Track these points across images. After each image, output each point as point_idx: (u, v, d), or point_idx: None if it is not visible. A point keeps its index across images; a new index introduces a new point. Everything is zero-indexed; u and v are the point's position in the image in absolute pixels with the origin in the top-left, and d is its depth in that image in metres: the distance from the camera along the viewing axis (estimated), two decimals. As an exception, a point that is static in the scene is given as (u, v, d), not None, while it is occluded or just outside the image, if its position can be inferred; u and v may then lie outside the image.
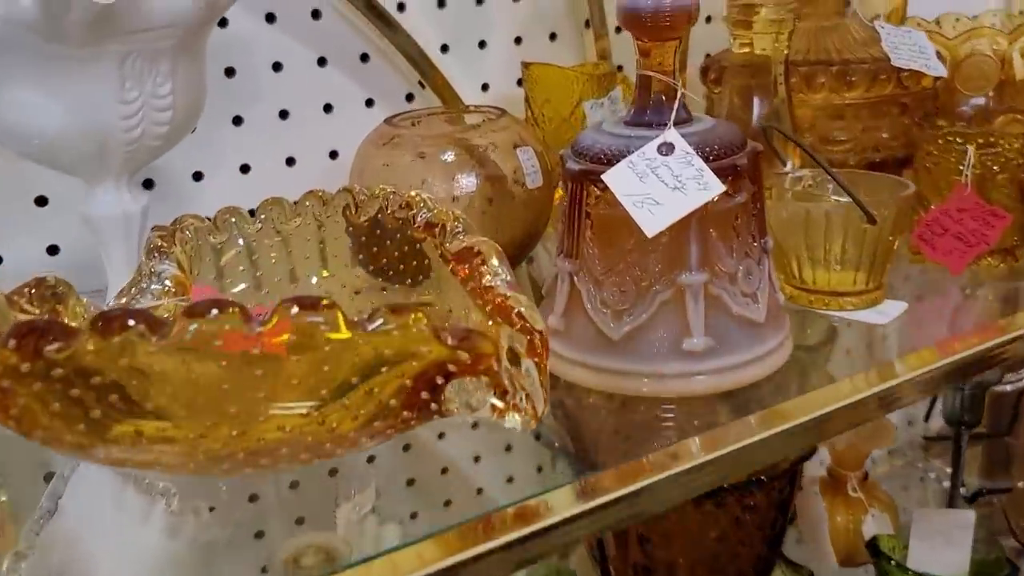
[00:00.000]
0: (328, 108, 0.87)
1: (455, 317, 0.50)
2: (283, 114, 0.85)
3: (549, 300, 0.58)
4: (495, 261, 0.47)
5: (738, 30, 0.76)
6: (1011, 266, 0.71)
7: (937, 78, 0.88)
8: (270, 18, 0.83)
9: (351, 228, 0.58)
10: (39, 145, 0.55)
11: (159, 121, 0.57)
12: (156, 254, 0.54)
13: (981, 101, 1.08)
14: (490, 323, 0.44)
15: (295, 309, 0.38)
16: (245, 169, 0.85)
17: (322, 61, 0.86)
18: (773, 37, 0.76)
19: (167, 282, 0.53)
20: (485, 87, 0.95)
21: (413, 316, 0.39)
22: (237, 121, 0.84)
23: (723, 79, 0.94)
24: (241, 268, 0.58)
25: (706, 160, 0.52)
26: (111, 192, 0.60)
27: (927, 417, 1.25)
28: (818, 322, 0.64)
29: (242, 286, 0.56)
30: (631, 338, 0.54)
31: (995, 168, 0.67)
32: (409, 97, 0.91)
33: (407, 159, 0.69)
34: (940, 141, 0.71)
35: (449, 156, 0.70)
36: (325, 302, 0.38)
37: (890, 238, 0.62)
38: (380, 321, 0.38)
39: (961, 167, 0.68)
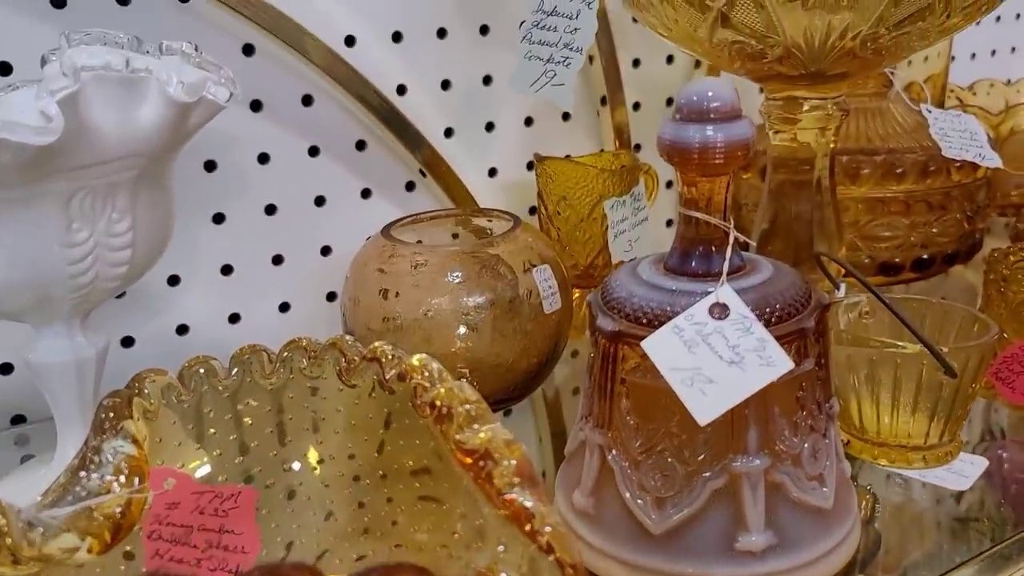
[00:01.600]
0: (320, 201, 0.79)
1: (466, 528, 0.42)
2: (270, 209, 0.77)
3: (573, 468, 0.50)
4: (511, 462, 0.38)
5: (779, 124, 0.68)
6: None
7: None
8: (256, 106, 0.74)
9: (343, 390, 0.49)
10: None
11: (116, 262, 0.49)
12: (106, 427, 0.45)
13: (1028, 180, 1.01)
14: (501, 548, 0.36)
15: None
16: (227, 270, 0.76)
17: (314, 151, 0.78)
18: (818, 132, 0.68)
19: (121, 463, 0.45)
20: (493, 172, 0.87)
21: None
22: (218, 219, 0.75)
23: (752, 166, 0.87)
24: (212, 432, 0.49)
25: (767, 323, 0.44)
26: (61, 336, 0.51)
27: None
28: (880, 481, 0.56)
29: (206, 469, 0.47)
30: (676, 532, 0.45)
31: (1083, 297, 0.59)
32: (410, 186, 0.83)
33: (408, 280, 0.61)
34: (1013, 259, 0.63)
35: (456, 276, 0.61)
36: None
37: (972, 386, 0.54)
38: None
39: (1042, 295, 0.59)
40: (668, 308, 0.45)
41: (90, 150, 0.44)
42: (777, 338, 0.43)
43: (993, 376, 0.59)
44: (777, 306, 0.45)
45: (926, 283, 0.84)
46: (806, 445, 0.46)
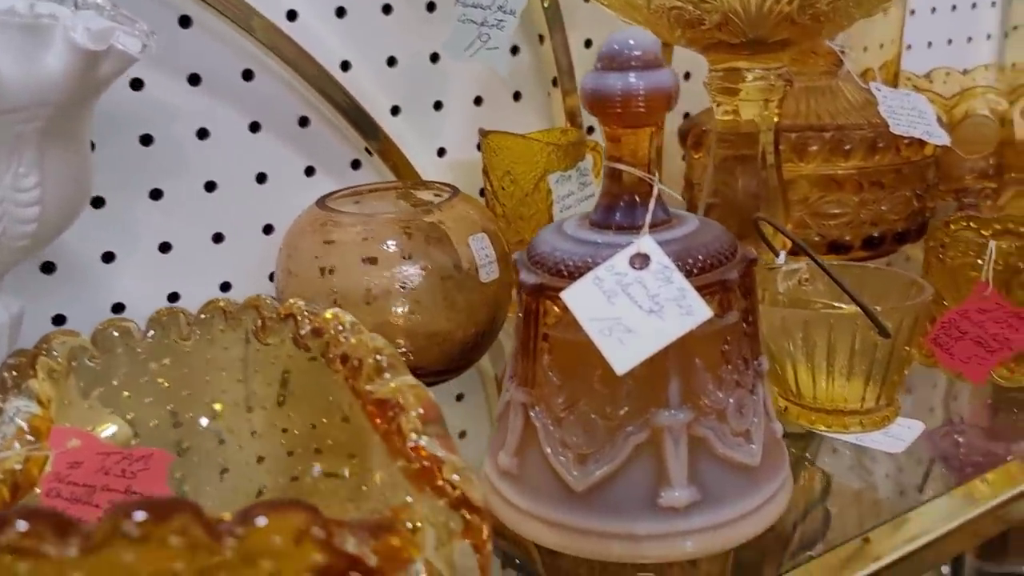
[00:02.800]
0: (262, 178, 0.78)
1: (375, 486, 0.40)
2: (209, 186, 0.75)
3: (500, 431, 0.48)
4: (420, 411, 0.37)
5: (722, 96, 0.67)
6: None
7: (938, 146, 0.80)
8: (194, 80, 0.73)
9: (259, 349, 0.47)
10: None
11: (24, 219, 0.47)
12: (9, 385, 0.43)
13: (980, 164, 1.01)
14: (409, 499, 0.34)
15: (139, 515, 0.28)
16: (165, 248, 0.75)
17: (255, 126, 0.76)
18: (762, 104, 0.67)
19: (21, 423, 0.43)
20: (441, 152, 0.86)
21: (293, 519, 0.29)
22: (156, 195, 0.73)
23: (704, 144, 0.86)
24: (127, 395, 0.48)
25: (688, 274, 0.43)
26: (-31, 300, 0.50)
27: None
28: (819, 448, 0.55)
29: (111, 429, 0.46)
30: (598, 489, 0.44)
31: (1021, 264, 0.58)
32: (355, 164, 0.81)
33: (343, 249, 0.59)
34: (953, 228, 0.62)
35: (391, 245, 0.60)
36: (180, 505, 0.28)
37: (906, 349, 0.53)
38: (242, 530, 0.28)
39: (980, 261, 0.58)
40: (590, 260, 0.44)
41: (-10, 97, 0.42)
42: (698, 289, 0.42)
43: (932, 342, 0.59)
44: (700, 257, 0.44)
45: (876, 263, 0.84)
46: (731, 400, 0.45)
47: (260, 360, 0.47)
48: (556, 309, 0.44)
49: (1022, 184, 0.92)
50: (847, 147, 0.79)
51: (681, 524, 0.43)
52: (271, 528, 0.29)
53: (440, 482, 0.35)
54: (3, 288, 0.51)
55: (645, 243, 0.43)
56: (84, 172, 0.51)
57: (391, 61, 0.81)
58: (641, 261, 0.43)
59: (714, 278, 0.43)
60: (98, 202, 0.71)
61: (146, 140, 0.72)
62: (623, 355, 0.41)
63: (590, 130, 0.92)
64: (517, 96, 0.89)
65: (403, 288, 0.60)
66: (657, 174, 0.46)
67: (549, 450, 0.45)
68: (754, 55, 0.65)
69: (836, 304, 0.55)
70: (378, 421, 0.38)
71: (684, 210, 0.52)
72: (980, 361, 0.58)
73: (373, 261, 0.59)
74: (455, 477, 0.35)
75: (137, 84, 0.71)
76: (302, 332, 0.44)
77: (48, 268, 0.71)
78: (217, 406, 0.47)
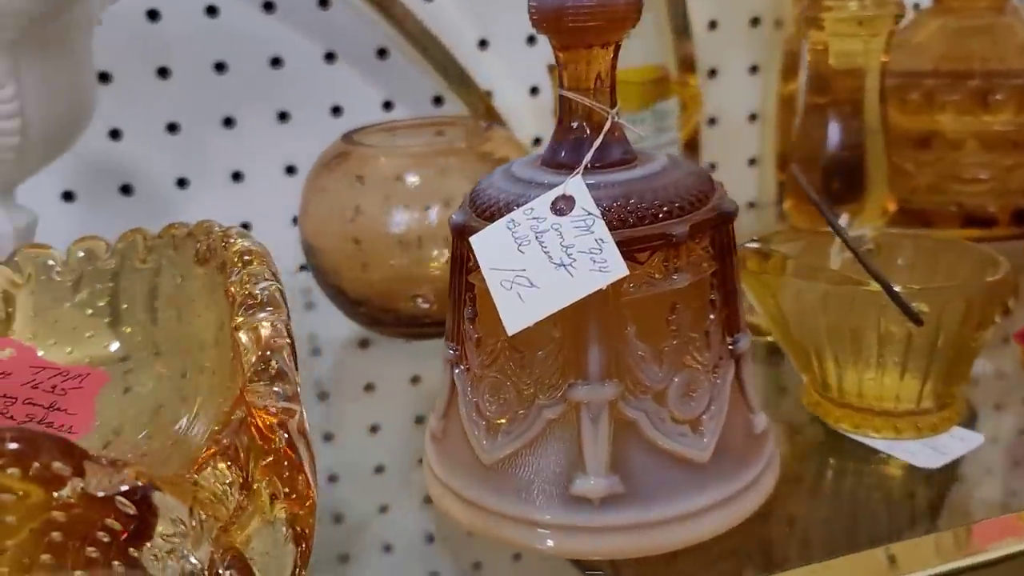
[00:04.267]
0: (337, 110, 0.76)
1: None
2: (283, 116, 0.75)
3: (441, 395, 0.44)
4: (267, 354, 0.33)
5: (810, 28, 0.57)
6: None
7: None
8: (268, 7, 0.72)
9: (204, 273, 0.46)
10: None
11: (4, 131, 0.48)
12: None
13: None
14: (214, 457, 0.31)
15: None
16: (237, 176, 0.75)
17: (330, 56, 0.75)
18: (862, 40, 0.56)
19: (-35, 328, 0.44)
20: (535, 91, 0.80)
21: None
22: (228, 123, 0.74)
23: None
24: (89, 312, 0.48)
25: (621, 224, 0.36)
26: (-27, 209, 0.52)
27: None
28: (837, 451, 0.46)
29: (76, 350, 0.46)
30: (507, 466, 0.38)
31: None
32: (438, 100, 0.78)
33: (342, 185, 0.56)
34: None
35: (407, 184, 0.56)
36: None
37: (961, 339, 0.42)
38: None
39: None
40: (518, 201, 0.38)
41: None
42: (631, 241, 0.35)
43: (1018, 338, 0.47)
44: (642, 205, 0.36)
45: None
46: (675, 380, 0.37)
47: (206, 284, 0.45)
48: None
49: None
50: (996, 97, 0.66)
51: (594, 518, 0.37)
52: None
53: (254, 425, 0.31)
54: (10, 200, 0.53)
55: (573, 184, 0.36)
56: (78, 89, 0.51)
57: (478, -10, 0.77)
58: (566, 205, 0.36)
59: (653, 231, 0.36)
60: (173, 128, 0.73)
61: (220, 67, 0.73)
62: (517, 313, 0.35)
63: (712, 73, 0.83)
64: (624, 32, 0.81)
65: (398, 235, 0.56)
66: (617, 105, 0.39)
67: (464, 415, 0.40)
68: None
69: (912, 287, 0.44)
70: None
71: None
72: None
73: (367, 202, 0.56)
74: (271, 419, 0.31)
75: (212, 11, 0.71)
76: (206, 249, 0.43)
77: (126, 190, 0.74)
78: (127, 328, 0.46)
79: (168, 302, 0.46)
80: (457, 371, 0.40)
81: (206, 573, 0.29)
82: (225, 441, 0.33)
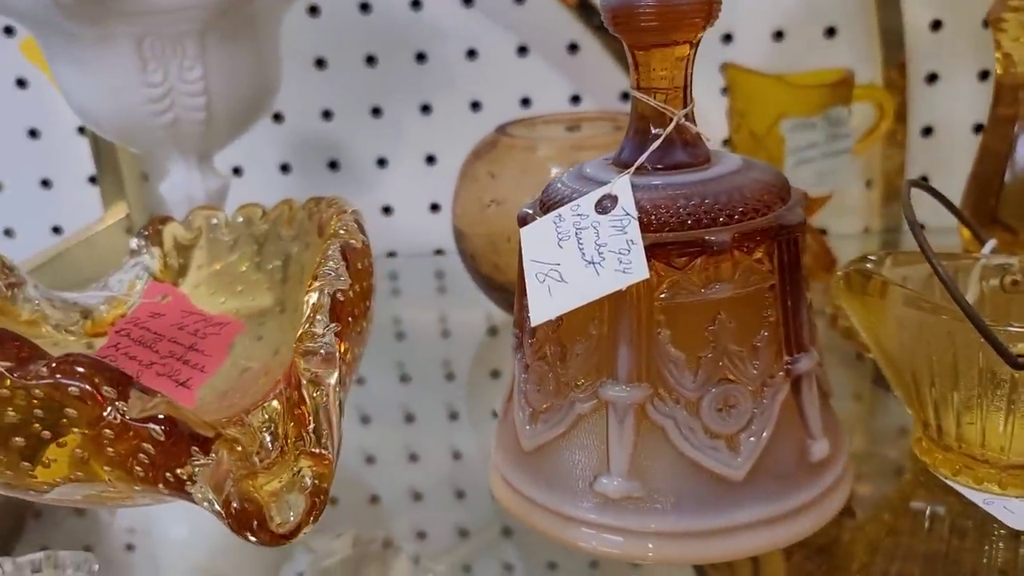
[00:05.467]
0: (526, 102, 0.79)
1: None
2: (475, 105, 0.79)
3: (517, 375, 0.45)
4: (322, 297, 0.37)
5: (995, 32, 0.51)
6: None
7: None
8: (468, 1, 0.76)
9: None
10: (89, 120, 0.57)
11: (192, 107, 0.55)
12: (137, 248, 0.52)
13: None
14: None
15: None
16: (431, 160, 0.81)
17: (522, 50, 0.78)
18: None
19: (140, 274, 0.52)
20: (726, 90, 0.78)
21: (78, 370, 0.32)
22: (425, 109, 0.79)
23: None
24: (243, 270, 0.54)
25: (666, 227, 0.35)
26: (179, 173, 0.60)
27: None
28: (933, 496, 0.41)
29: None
30: (543, 454, 0.39)
31: None
32: (626, 95, 0.78)
33: (485, 174, 0.59)
34: None
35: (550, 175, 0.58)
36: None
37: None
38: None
39: None
40: (574, 197, 0.38)
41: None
42: (666, 245, 0.35)
43: None
44: (687, 210, 0.36)
45: None
46: (712, 391, 0.36)
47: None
48: (537, 247, 0.40)
49: None
50: None
51: (610, 518, 0.37)
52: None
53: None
54: (208, 167, 0.61)
55: (620, 184, 0.36)
56: (259, 73, 0.58)
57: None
58: (610, 204, 0.36)
59: (691, 236, 0.35)
60: (376, 112, 0.80)
61: (420, 57, 0.78)
62: (543, 306, 0.36)
63: (932, 78, 0.76)
64: (831, 32, 0.77)
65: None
66: (691, 105, 0.38)
67: (516, 400, 0.41)
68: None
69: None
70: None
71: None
72: None
73: (500, 192, 0.58)
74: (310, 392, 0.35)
75: (417, 4, 0.77)
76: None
77: (333, 165, 0.81)
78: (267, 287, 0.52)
79: (296, 266, 0.51)
80: (518, 356, 0.42)
81: (218, 507, 0.33)
82: (273, 394, 0.37)
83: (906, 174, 0.76)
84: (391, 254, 0.82)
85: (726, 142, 0.70)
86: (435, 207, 0.81)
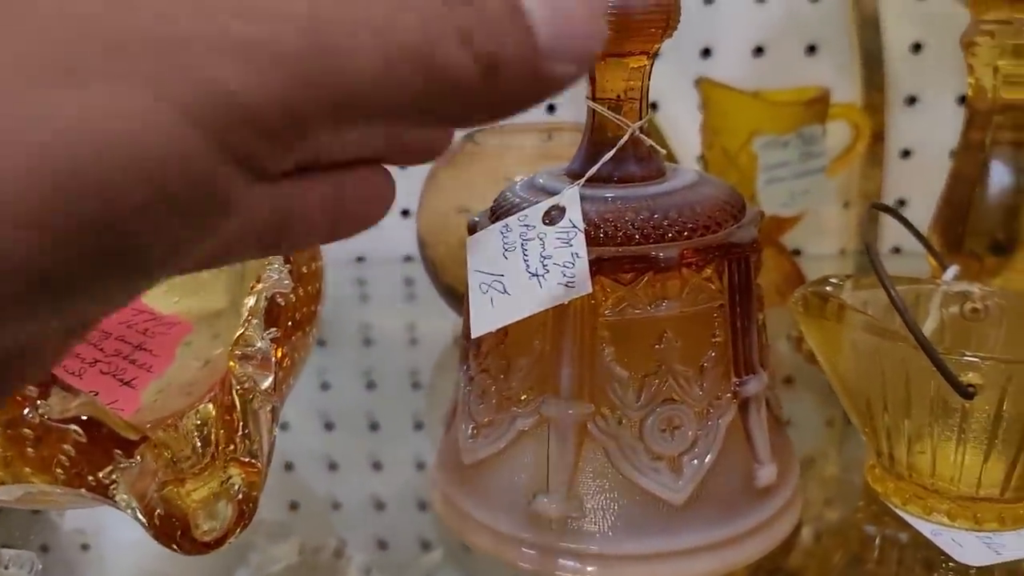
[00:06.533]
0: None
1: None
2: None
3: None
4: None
5: (967, 55, 0.51)
6: None
7: None
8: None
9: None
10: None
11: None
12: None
13: None
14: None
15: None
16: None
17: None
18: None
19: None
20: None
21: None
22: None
23: None
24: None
25: (612, 241, 0.34)
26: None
27: None
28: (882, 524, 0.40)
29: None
30: (483, 469, 0.38)
31: None
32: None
33: (452, 182, 0.58)
34: None
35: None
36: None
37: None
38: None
39: None
40: (523, 207, 0.37)
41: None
42: (612, 260, 0.34)
43: None
44: (634, 224, 0.35)
45: None
46: (656, 411, 0.35)
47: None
48: (485, 257, 0.39)
49: None
50: None
51: (549, 538, 0.36)
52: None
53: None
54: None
55: (568, 195, 0.35)
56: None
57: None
58: (558, 215, 0.35)
59: (638, 252, 0.34)
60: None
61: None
62: (485, 318, 0.34)
63: (911, 100, 0.76)
64: (812, 49, 0.76)
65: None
66: (647, 117, 0.37)
67: (460, 411, 0.40)
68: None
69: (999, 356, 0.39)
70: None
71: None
72: None
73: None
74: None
75: None
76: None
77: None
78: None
79: (253, 267, 0.50)
80: (463, 368, 0.41)
81: (140, 514, 0.32)
82: (208, 397, 0.36)
83: (883, 196, 0.76)
84: (360, 259, 0.81)
85: (700, 158, 0.69)
86: (405, 213, 0.80)
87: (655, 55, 0.37)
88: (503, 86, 0.18)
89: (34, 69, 0.13)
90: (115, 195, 0.14)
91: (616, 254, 0.34)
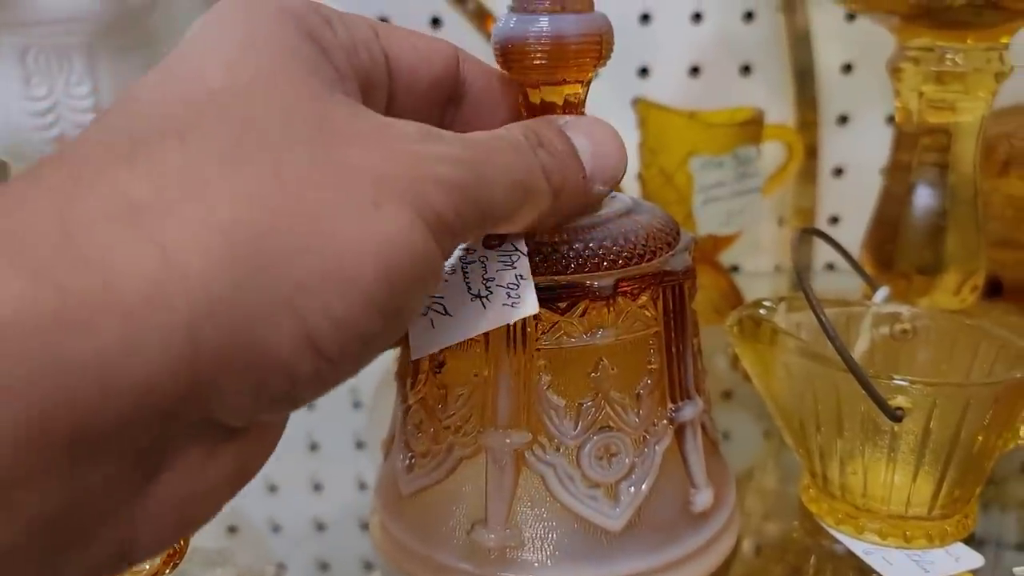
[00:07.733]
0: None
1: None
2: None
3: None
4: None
5: (895, 83, 0.52)
6: None
7: None
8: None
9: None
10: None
11: (80, 124, 0.53)
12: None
13: None
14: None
15: None
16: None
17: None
18: (953, 95, 0.51)
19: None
20: (645, 124, 0.78)
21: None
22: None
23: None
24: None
25: (551, 270, 0.34)
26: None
27: None
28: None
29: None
30: (419, 500, 0.38)
31: None
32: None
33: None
34: None
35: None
36: None
37: (982, 440, 0.37)
38: None
39: None
40: (460, 235, 0.37)
41: (27, 8, 0.48)
42: (548, 288, 0.34)
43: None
44: (570, 253, 0.35)
45: None
46: (593, 440, 0.35)
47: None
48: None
49: None
50: None
51: (490, 569, 0.36)
52: None
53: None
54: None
55: (506, 223, 0.35)
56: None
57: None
58: (499, 239, 0.35)
59: (573, 280, 0.34)
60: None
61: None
62: (425, 339, 0.34)
63: (843, 120, 0.78)
64: (747, 69, 0.77)
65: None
66: (581, 147, 0.37)
67: (398, 438, 0.40)
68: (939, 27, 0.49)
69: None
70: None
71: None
72: None
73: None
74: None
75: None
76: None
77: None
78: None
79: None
80: (400, 395, 0.40)
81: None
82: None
83: (817, 213, 0.77)
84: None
85: (639, 177, 0.70)
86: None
87: (589, 82, 0.37)
88: (564, 202, 0.30)
89: (355, 198, 0.22)
90: (412, 287, 0.23)
91: (551, 283, 0.34)
